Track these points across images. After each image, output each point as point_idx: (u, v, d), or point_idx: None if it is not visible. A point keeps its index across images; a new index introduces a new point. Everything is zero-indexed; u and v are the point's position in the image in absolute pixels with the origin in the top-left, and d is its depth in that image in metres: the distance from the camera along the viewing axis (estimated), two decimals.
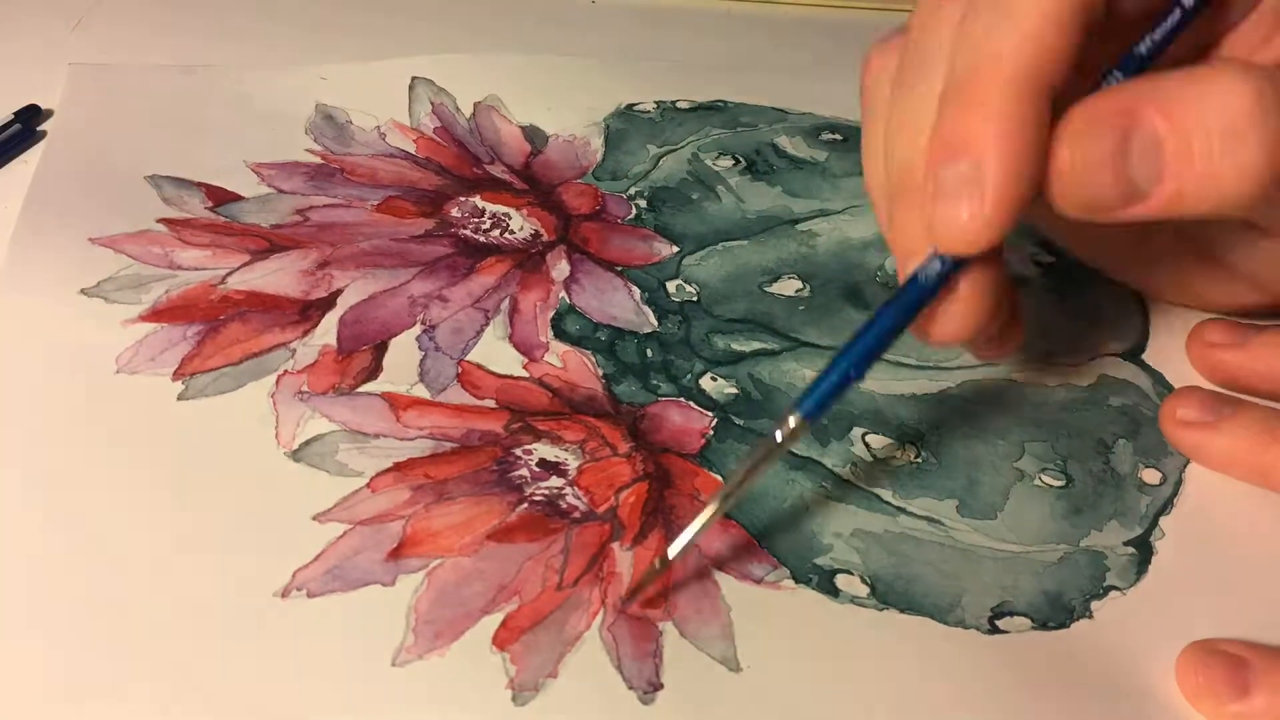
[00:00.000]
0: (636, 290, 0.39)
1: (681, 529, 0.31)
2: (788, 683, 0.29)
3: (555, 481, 0.32)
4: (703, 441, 0.34)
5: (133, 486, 0.31)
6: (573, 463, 0.33)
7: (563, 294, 0.38)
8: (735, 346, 0.37)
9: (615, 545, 0.31)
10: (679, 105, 0.46)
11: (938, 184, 0.28)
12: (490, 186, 0.42)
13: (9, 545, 0.29)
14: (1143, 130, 0.27)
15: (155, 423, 0.32)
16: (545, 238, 0.40)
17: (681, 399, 0.35)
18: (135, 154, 0.41)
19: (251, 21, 0.50)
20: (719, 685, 0.28)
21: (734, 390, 0.36)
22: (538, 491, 0.32)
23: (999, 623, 0.31)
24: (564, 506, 0.31)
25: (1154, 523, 0.34)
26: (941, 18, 0.30)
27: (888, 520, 0.33)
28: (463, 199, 0.41)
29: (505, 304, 0.37)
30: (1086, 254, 0.40)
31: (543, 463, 0.33)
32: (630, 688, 0.28)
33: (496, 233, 0.40)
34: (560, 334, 0.37)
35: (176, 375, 0.34)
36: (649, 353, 0.37)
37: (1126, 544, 0.33)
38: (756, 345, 0.37)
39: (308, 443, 0.32)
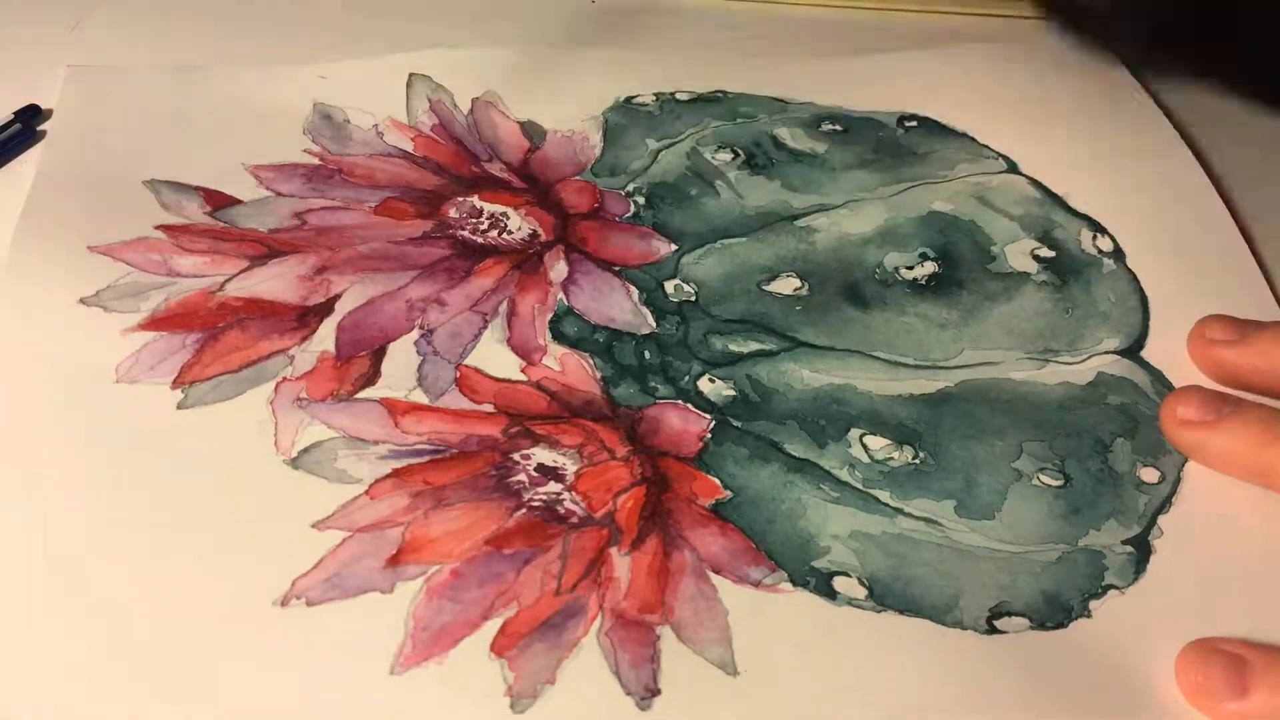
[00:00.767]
0: (634, 290, 0.39)
1: (680, 533, 0.32)
2: (785, 686, 0.29)
3: (553, 487, 0.32)
4: (700, 444, 0.34)
5: (133, 497, 0.31)
6: (571, 467, 0.33)
7: (561, 296, 0.38)
8: (733, 348, 0.37)
9: (613, 550, 0.31)
10: (678, 97, 0.46)
11: None
12: (488, 185, 0.42)
13: (8, 554, 0.30)
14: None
15: (155, 432, 0.33)
16: (543, 237, 0.40)
17: (679, 401, 0.35)
18: (133, 157, 0.41)
19: (250, 20, 0.50)
20: (716, 689, 0.28)
21: (732, 392, 0.36)
22: (536, 497, 0.32)
23: (997, 623, 0.31)
24: (562, 512, 0.32)
25: (1152, 521, 0.34)
26: None
27: (885, 522, 0.33)
28: (460, 199, 0.41)
29: (503, 307, 0.37)
30: None
31: (541, 468, 0.33)
32: (628, 693, 0.28)
33: (494, 233, 0.40)
34: (558, 336, 0.37)
35: (176, 384, 0.34)
36: (647, 354, 0.37)
37: (1125, 543, 0.33)
38: (754, 346, 0.37)
39: (307, 450, 0.33)
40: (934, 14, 0.53)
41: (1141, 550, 0.33)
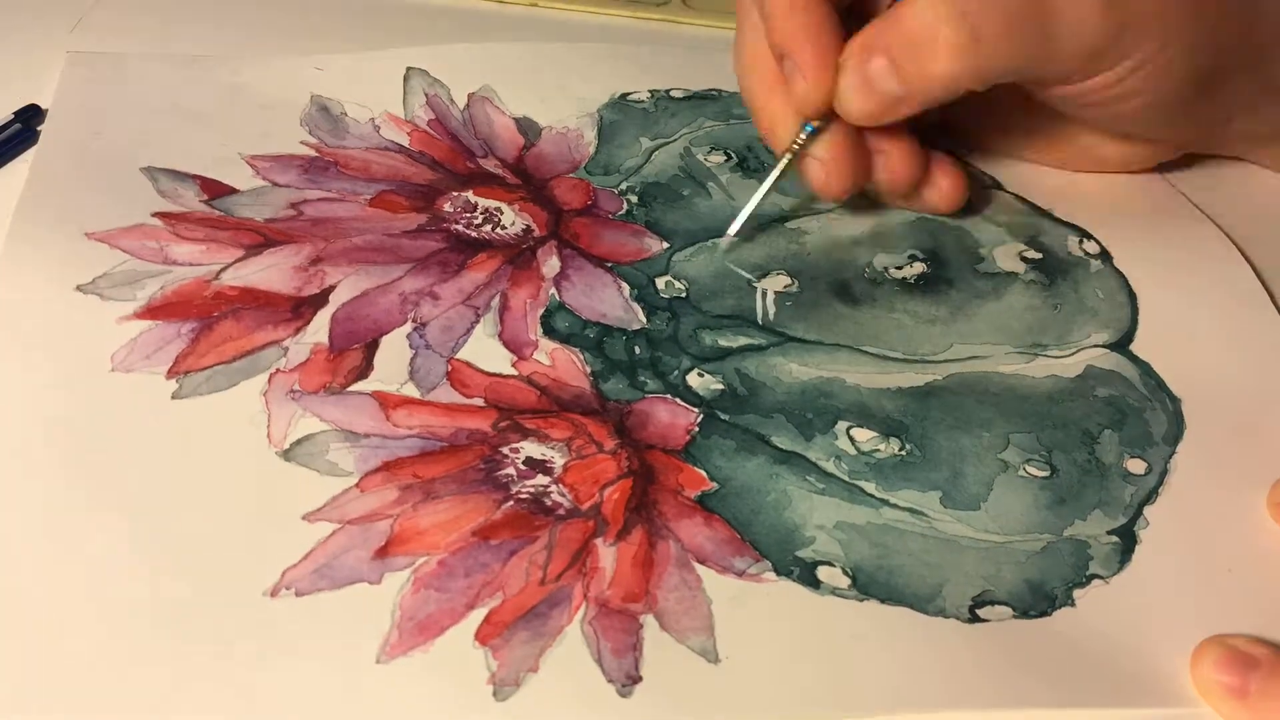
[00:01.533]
0: (626, 287, 0.39)
1: (665, 524, 0.32)
2: (766, 674, 0.29)
3: (541, 479, 0.33)
4: (688, 438, 0.34)
5: (126, 486, 0.31)
6: (559, 460, 0.33)
7: (553, 291, 0.38)
8: (722, 342, 0.38)
9: (599, 541, 0.31)
10: (673, 94, 0.47)
11: (786, 75, 0.39)
12: (482, 181, 0.42)
13: (2, 539, 0.30)
14: (874, 62, 0.38)
15: (150, 421, 0.33)
16: (536, 233, 0.40)
17: (668, 395, 0.36)
18: (131, 144, 0.42)
19: (251, 20, 0.50)
20: (697, 677, 0.29)
21: (720, 386, 0.36)
22: (523, 489, 0.32)
23: (980, 612, 0.31)
24: (549, 504, 0.32)
25: (1138, 512, 0.34)
26: None
27: (871, 513, 0.33)
28: (455, 194, 0.41)
29: (496, 301, 0.38)
30: (1006, 152, 0.47)
31: (529, 461, 0.33)
32: (609, 681, 0.28)
33: (488, 228, 0.40)
34: (549, 331, 0.37)
35: (171, 373, 0.34)
36: (637, 349, 0.37)
37: (1110, 533, 0.34)
38: (744, 341, 0.38)
39: (299, 442, 0.33)
40: None
41: (1127, 540, 0.34)
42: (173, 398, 0.34)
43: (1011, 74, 0.38)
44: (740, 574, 0.31)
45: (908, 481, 0.34)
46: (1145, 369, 0.38)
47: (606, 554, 0.31)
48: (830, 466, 0.34)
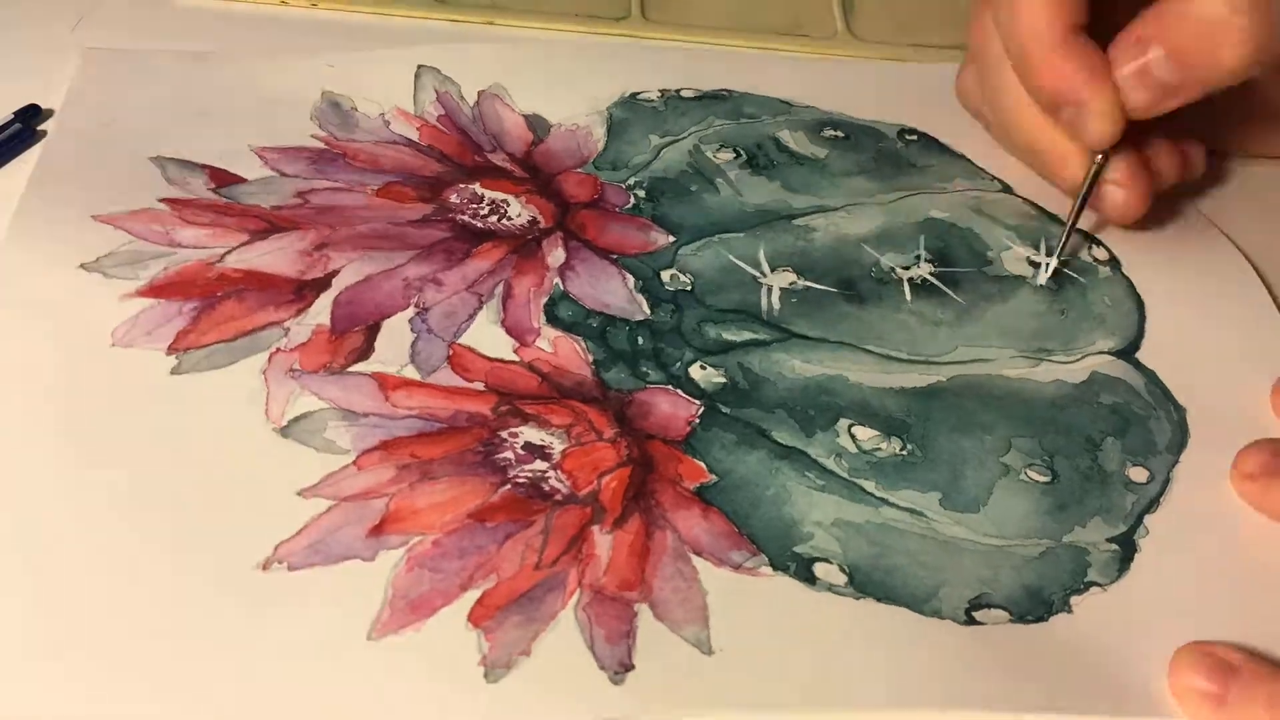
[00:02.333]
0: (630, 278, 0.39)
1: (663, 514, 0.32)
2: (758, 667, 0.29)
3: (539, 465, 0.32)
4: (688, 429, 0.34)
5: (123, 457, 0.31)
6: (558, 446, 0.33)
7: (557, 280, 0.38)
8: (726, 336, 0.37)
9: (595, 528, 0.31)
10: (683, 94, 0.47)
11: (1064, 122, 0.40)
12: (490, 174, 0.42)
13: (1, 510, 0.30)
14: (1151, 53, 0.38)
15: (148, 396, 0.33)
16: (542, 224, 0.40)
17: (670, 387, 0.36)
18: (143, 135, 0.42)
19: (254, 23, 0.50)
20: (690, 667, 0.29)
21: (722, 379, 0.36)
22: (521, 474, 0.32)
23: (976, 614, 0.31)
24: (546, 489, 0.32)
25: (1139, 521, 0.34)
26: (985, 21, 0.42)
27: (870, 511, 0.33)
28: (462, 185, 0.41)
29: (499, 289, 0.38)
30: (1236, 144, 0.48)
31: (528, 446, 0.33)
32: (602, 668, 0.28)
33: (494, 218, 0.40)
34: (552, 319, 0.37)
35: (171, 349, 0.34)
36: (640, 340, 0.37)
37: (1110, 540, 0.33)
38: (747, 335, 0.38)
39: (297, 419, 0.33)
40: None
41: (1126, 549, 0.33)
42: (172, 373, 0.33)
43: None
44: (736, 567, 0.31)
45: (908, 481, 0.34)
46: (1151, 377, 0.38)
47: (603, 541, 0.31)
48: (830, 463, 0.34)
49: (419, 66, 0.46)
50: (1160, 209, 0.44)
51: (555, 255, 0.39)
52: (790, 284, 0.40)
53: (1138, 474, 0.35)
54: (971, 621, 0.31)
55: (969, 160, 0.46)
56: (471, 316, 0.36)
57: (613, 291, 0.38)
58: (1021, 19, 0.39)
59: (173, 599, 0.28)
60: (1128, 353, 0.39)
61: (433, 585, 0.29)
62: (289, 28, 0.50)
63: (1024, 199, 0.44)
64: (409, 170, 0.42)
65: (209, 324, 0.35)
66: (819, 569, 0.31)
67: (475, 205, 0.41)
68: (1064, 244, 0.41)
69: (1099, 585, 0.32)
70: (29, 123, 0.43)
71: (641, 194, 0.42)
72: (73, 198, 0.38)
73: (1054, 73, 0.39)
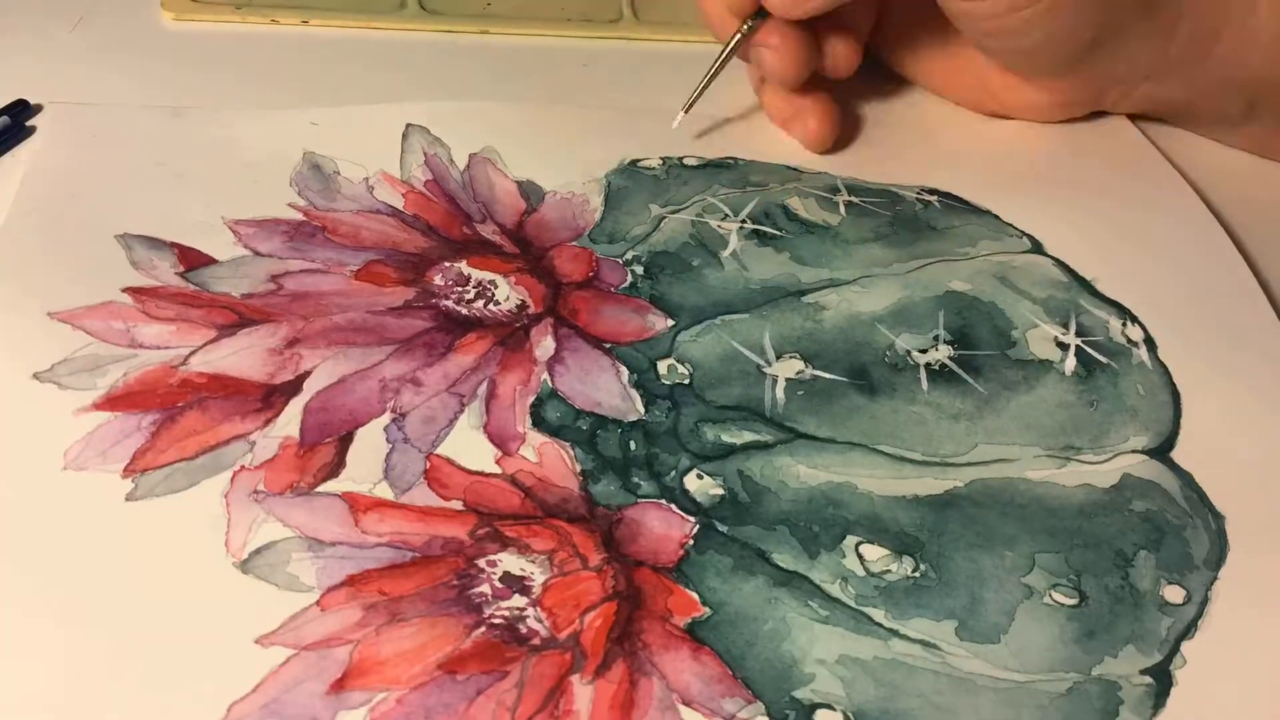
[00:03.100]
0: (625, 371, 0.36)
1: (650, 657, 0.29)
2: None
3: (517, 601, 0.30)
4: (681, 553, 0.32)
5: (68, 598, 0.29)
6: (539, 577, 0.31)
7: (545, 376, 0.36)
8: (726, 438, 0.35)
9: (575, 678, 0.29)
10: (686, 162, 0.44)
11: None
12: (478, 250, 0.40)
13: None
14: None
15: (100, 526, 0.31)
16: (532, 309, 0.38)
17: (663, 500, 0.33)
18: (111, 204, 0.39)
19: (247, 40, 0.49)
20: None
21: (720, 491, 0.33)
22: (497, 613, 0.30)
23: None
24: (524, 631, 0.29)
25: (1175, 648, 0.31)
26: None
27: (878, 645, 0.30)
28: (448, 264, 0.39)
29: (483, 388, 0.35)
30: (921, 80, 0.50)
31: (506, 577, 0.30)
32: None
33: (480, 303, 0.38)
34: (539, 422, 0.34)
35: (127, 471, 0.32)
36: (632, 445, 0.34)
37: (1144, 672, 0.31)
38: (749, 437, 0.35)
39: (259, 550, 0.30)
40: None
41: (1162, 681, 0.30)
42: (126, 499, 0.31)
43: None
44: (730, 718, 0.28)
45: (921, 609, 0.31)
46: (1187, 480, 0.35)
47: (583, 694, 0.28)
48: (835, 590, 0.31)
49: (408, 125, 0.44)
50: (1206, 273, 0.41)
51: (544, 346, 0.37)
52: (797, 373, 0.37)
53: (1173, 594, 0.32)
54: None
55: (995, 216, 0.43)
56: (452, 421, 0.34)
57: (605, 388, 0.36)
58: None
59: None
60: (1162, 450, 0.36)
61: None
62: (280, 45, 0.49)
63: (1054, 259, 0.41)
64: (392, 245, 0.39)
65: (168, 440, 0.32)
66: (821, 717, 0.29)
67: (460, 289, 0.38)
68: (696, 95, 0.44)
69: None
70: (18, 118, 0.43)
71: (640, 270, 0.40)
72: (31, 287, 0.36)
73: None
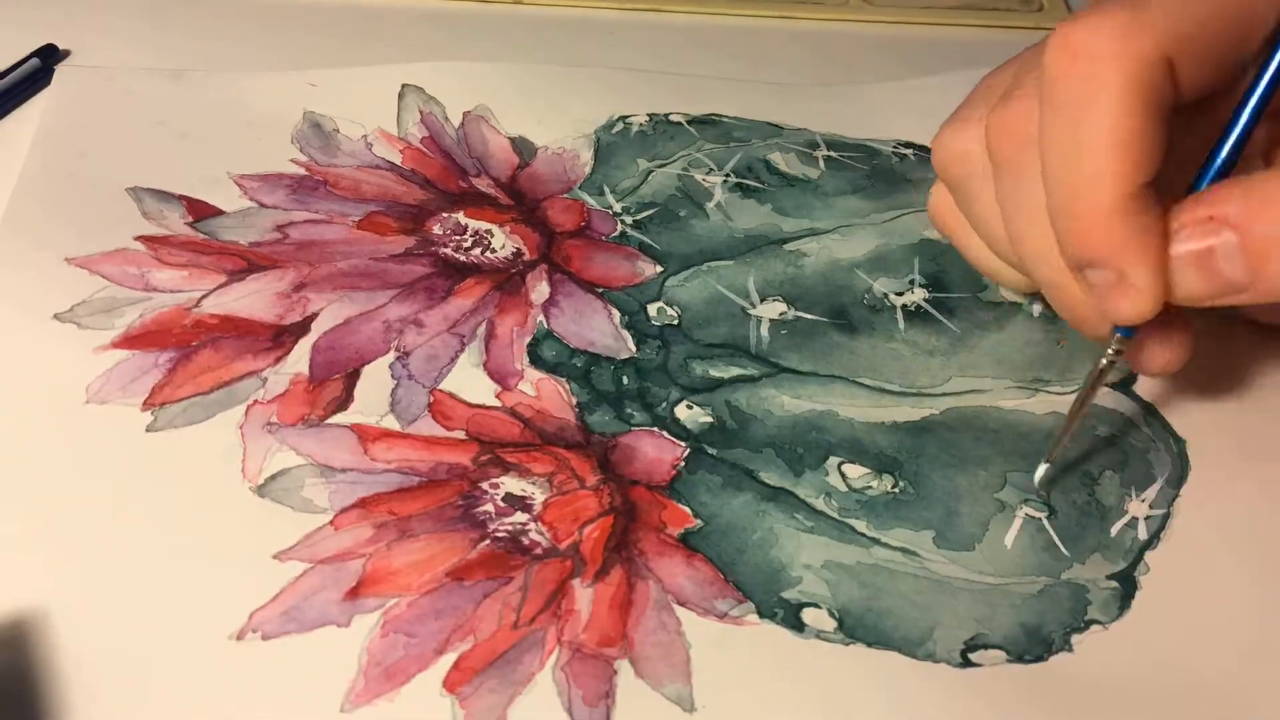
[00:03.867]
0: (616, 313, 0.38)
1: (646, 563, 0.31)
2: None
3: (519, 517, 0.32)
4: (674, 473, 0.34)
5: (97, 523, 0.31)
6: (539, 497, 0.32)
7: (541, 318, 0.38)
8: (713, 373, 0.37)
9: (575, 582, 0.30)
10: (672, 118, 0.46)
11: (1092, 285, 0.31)
12: (474, 201, 0.41)
13: None
14: (1222, 238, 0.30)
15: (123, 456, 0.32)
16: (527, 256, 0.40)
17: (655, 429, 0.35)
18: (118, 163, 0.41)
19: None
20: None
21: (709, 419, 0.35)
22: (501, 528, 0.31)
23: (972, 656, 0.30)
24: (526, 543, 0.31)
25: (1139, 557, 0.33)
26: (1016, 119, 0.32)
27: (861, 552, 0.32)
28: (445, 215, 0.41)
29: (481, 329, 0.37)
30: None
31: (509, 497, 0.32)
32: None
33: (477, 251, 0.39)
34: (536, 360, 0.36)
35: (146, 405, 0.33)
36: (625, 380, 0.36)
37: (1110, 578, 0.33)
38: (736, 371, 0.37)
39: (274, 477, 0.32)
40: (944, 25, 0.52)
41: (1127, 585, 0.32)
42: (147, 430, 0.33)
43: None
44: (722, 616, 0.30)
45: (900, 520, 0.33)
46: (1149, 409, 0.37)
47: (583, 595, 0.30)
48: (820, 504, 0.33)
49: (403, 85, 0.46)
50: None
51: (539, 290, 0.38)
52: (780, 314, 0.39)
53: (1137, 508, 0.34)
54: (968, 664, 0.30)
55: None
56: (453, 360, 0.36)
57: (598, 329, 0.37)
58: (1084, 163, 0.30)
59: (144, 672, 0.28)
60: (1125, 384, 0.38)
61: (407, 651, 0.28)
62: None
63: None
64: (391, 198, 0.41)
65: (184, 376, 0.34)
66: (807, 615, 0.31)
67: (458, 237, 0.40)
68: (1059, 444, 0.34)
69: (1100, 623, 0.31)
70: (47, 61, 0.45)
71: (629, 221, 0.41)
72: (48, 238, 0.38)
73: (1104, 235, 0.30)
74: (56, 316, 0.35)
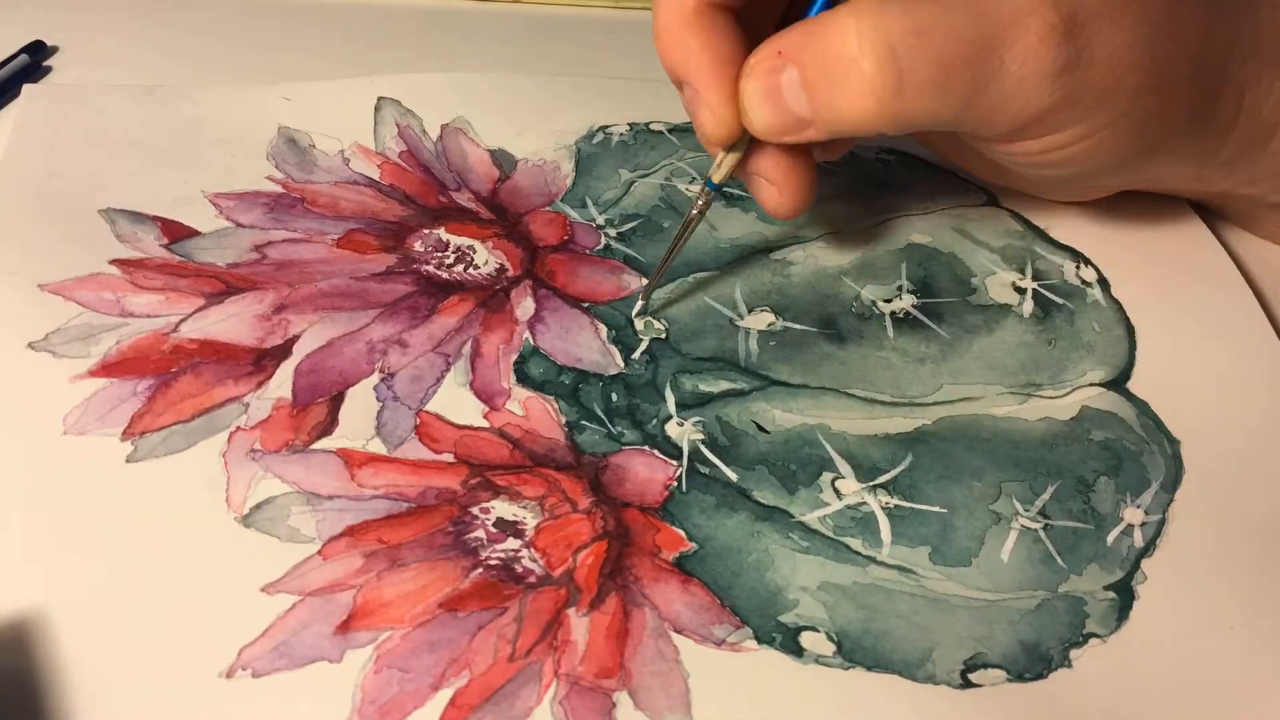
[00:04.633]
0: (603, 328, 0.37)
1: (641, 590, 0.31)
2: None
3: (512, 543, 0.31)
4: (666, 493, 0.33)
5: (78, 558, 0.30)
6: (531, 521, 0.32)
7: (526, 335, 0.37)
8: (703, 387, 0.36)
9: (571, 611, 0.30)
10: (652, 127, 0.45)
11: (685, 101, 0.36)
12: (455, 217, 0.41)
13: None
14: (787, 73, 0.33)
15: (104, 487, 0.32)
16: (510, 272, 0.39)
17: (646, 447, 0.34)
18: (90, 183, 0.40)
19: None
20: None
21: (700, 436, 0.35)
22: (493, 555, 0.31)
23: (972, 676, 0.30)
24: (519, 570, 0.31)
25: (1136, 565, 0.33)
26: None
27: (857, 571, 0.32)
28: (426, 231, 0.40)
29: (467, 348, 0.36)
30: (947, 159, 0.44)
31: (500, 522, 0.32)
32: None
33: (460, 268, 0.39)
34: (523, 378, 0.36)
35: (126, 435, 0.33)
36: (614, 397, 0.36)
37: (1107, 588, 0.32)
38: (725, 385, 0.36)
39: (259, 506, 0.31)
40: None
41: (1124, 596, 0.32)
42: (127, 461, 0.32)
43: (932, 126, 0.34)
44: (719, 643, 0.30)
45: (895, 536, 0.33)
46: (1143, 409, 0.37)
47: (579, 625, 0.30)
48: (814, 522, 0.33)
49: (379, 99, 0.45)
50: (1156, 217, 0.42)
51: (524, 307, 0.38)
52: (769, 325, 0.38)
53: (1133, 515, 0.34)
54: (968, 685, 0.30)
55: (953, 172, 0.45)
56: (439, 380, 0.35)
57: (584, 344, 0.37)
58: None
59: (133, 712, 0.27)
60: (1118, 383, 0.37)
61: (402, 687, 0.28)
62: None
63: (1010, 211, 0.43)
64: (371, 214, 0.40)
65: (164, 404, 0.33)
66: (805, 639, 0.30)
67: (440, 254, 0.39)
68: (657, 276, 0.37)
69: (1099, 636, 0.31)
70: (36, 57, 0.46)
71: (612, 234, 0.41)
72: (19, 264, 0.37)
73: (676, 46, 0.34)
74: (31, 345, 0.35)
